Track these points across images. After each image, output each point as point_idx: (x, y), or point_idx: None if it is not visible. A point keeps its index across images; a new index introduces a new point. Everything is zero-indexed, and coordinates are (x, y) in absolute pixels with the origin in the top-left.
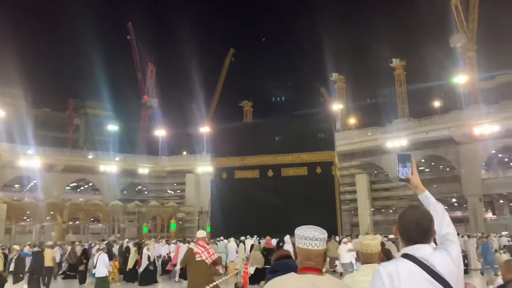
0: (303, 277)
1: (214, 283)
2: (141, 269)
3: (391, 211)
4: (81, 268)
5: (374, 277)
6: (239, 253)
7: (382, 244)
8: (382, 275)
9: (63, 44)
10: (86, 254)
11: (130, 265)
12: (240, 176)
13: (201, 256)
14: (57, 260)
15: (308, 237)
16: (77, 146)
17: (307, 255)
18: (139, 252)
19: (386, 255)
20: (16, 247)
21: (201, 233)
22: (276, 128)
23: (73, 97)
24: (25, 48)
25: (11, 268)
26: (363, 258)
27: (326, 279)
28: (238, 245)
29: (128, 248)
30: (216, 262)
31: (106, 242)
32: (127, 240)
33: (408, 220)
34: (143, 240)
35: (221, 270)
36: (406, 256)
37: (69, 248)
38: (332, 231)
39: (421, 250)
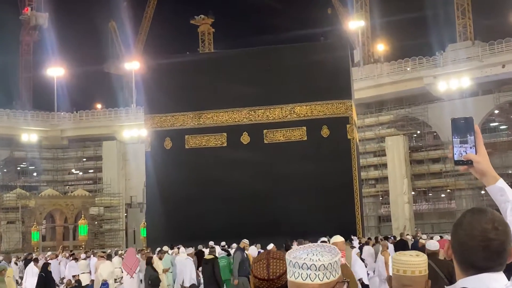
0: None
1: None
2: None
3: (443, 195)
4: None
5: None
6: None
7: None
8: None
9: None
10: None
11: None
12: (196, 145)
13: None
14: None
15: (297, 263)
16: None
17: None
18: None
19: (447, 274)
20: None
21: (336, 238)
22: (253, 63)
23: None
24: None
25: None
26: (399, 284)
27: None
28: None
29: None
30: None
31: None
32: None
33: (468, 234)
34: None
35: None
36: None
37: None
38: (348, 230)
39: (491, 283)
